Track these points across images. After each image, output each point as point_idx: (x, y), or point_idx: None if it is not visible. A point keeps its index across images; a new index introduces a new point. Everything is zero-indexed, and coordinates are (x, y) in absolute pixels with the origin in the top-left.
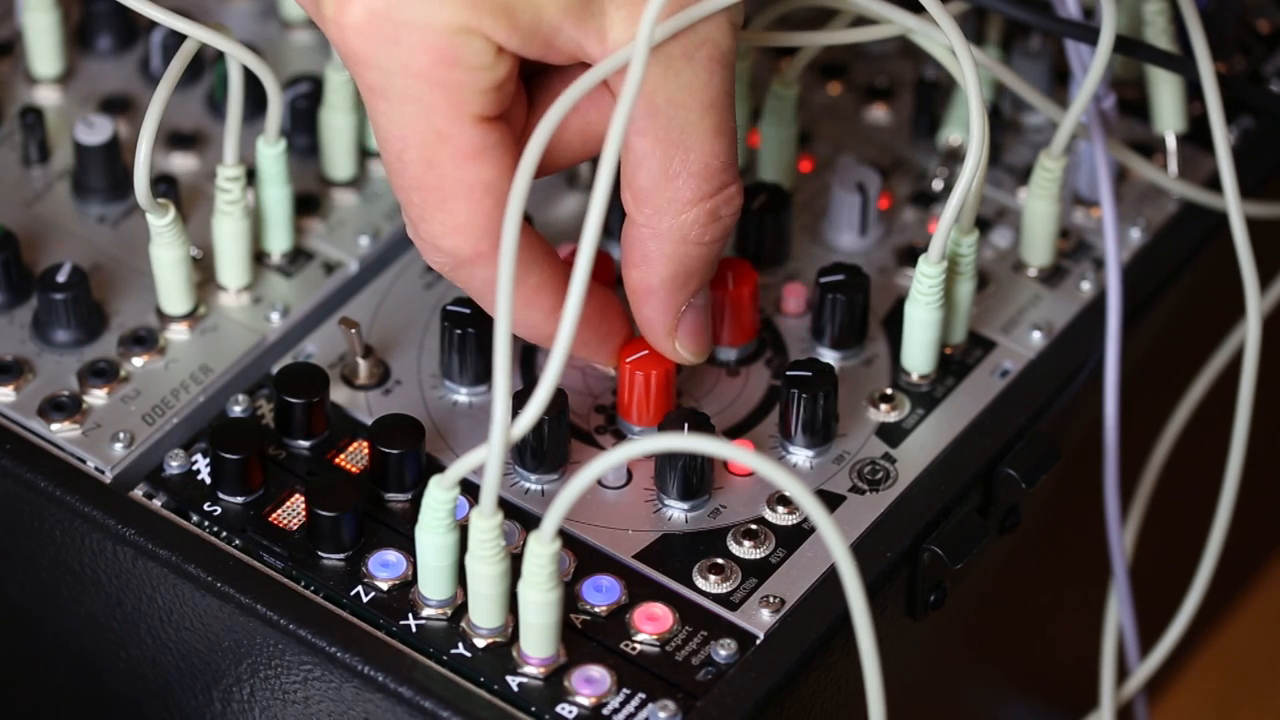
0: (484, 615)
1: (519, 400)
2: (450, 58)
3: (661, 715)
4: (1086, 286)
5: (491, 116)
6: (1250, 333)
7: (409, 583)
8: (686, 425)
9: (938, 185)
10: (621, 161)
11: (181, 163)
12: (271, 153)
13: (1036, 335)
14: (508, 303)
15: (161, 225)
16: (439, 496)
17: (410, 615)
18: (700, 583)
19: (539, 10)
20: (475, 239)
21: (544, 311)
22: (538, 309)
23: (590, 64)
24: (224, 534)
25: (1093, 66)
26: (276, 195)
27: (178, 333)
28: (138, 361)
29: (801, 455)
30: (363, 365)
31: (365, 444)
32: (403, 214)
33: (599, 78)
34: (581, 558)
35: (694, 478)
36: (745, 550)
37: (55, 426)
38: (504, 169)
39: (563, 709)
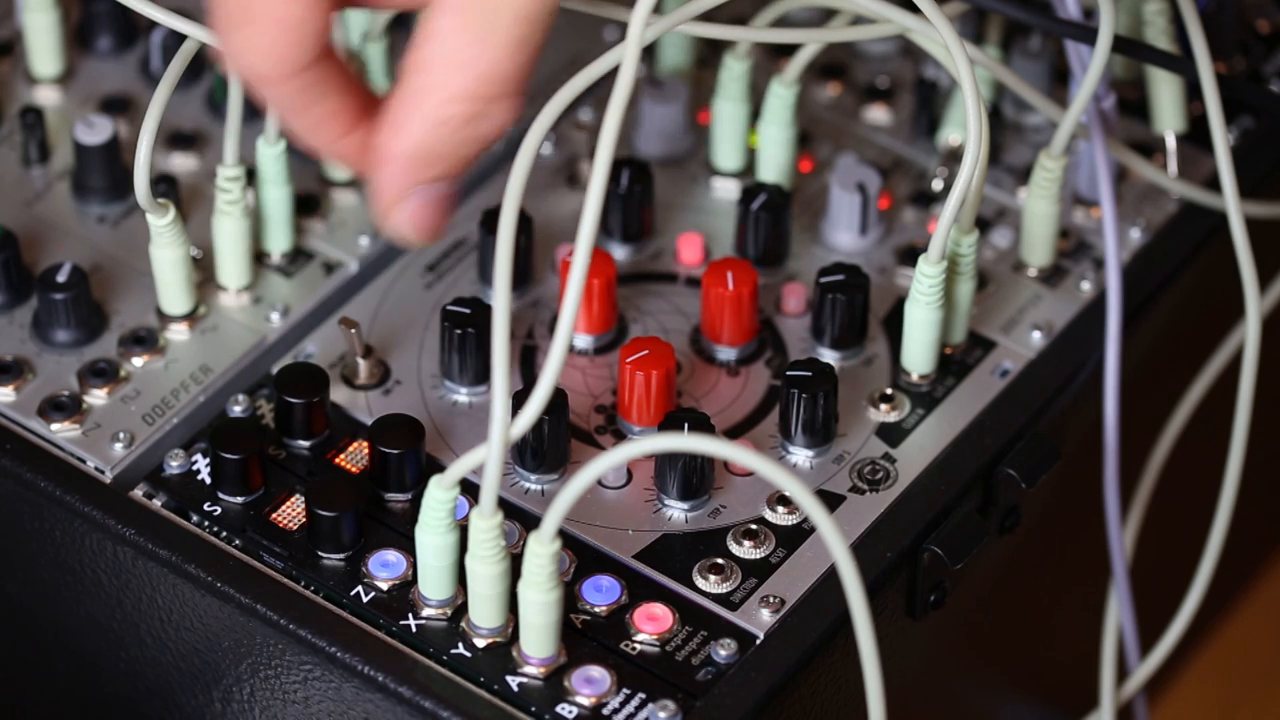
0: (484, 615)
1: (519, 400)
2: None
3: (661, 715)
4: (1086, 286)
5: None
6: (1250, 333)
7: (409, 583)
8: (686, 425)
9: (938, 185)
10: (418, 27)
11: (181, 163)
12: (271, 153)
13: (1036, 335)
14: (506, 299)
15: (161, 225)
16: (439, 496)
17: (410, 615)
18: (700, 583)
19: None
20: (271, 64)
21: (333, 134)
22: (326, 131)
23: None
24: (224, 534)
25: (1092, 66)
26: (276, 195)
27: (178, 333)
28: (138, 361)
29: (801, 455)
30: (363, 365)
31: (365, 444)
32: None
33: (591, 80)
34: (581, 558)
35: (694, 478)
36: (745, 550)
37: (55, 426)
38: (315, 8)
39: (563, 709)
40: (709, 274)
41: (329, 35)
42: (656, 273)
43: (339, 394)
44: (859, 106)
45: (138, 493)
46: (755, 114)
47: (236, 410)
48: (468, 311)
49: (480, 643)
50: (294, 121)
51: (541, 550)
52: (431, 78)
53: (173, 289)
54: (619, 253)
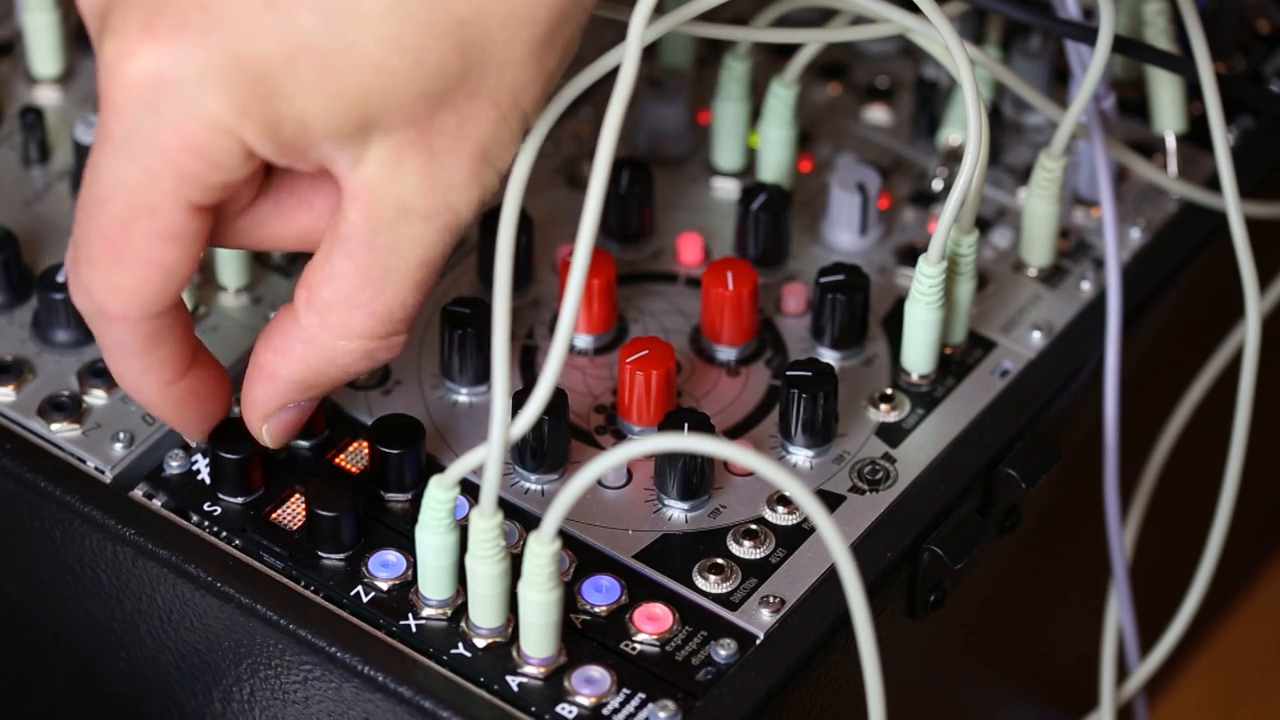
0: (484, 615)
1: (519, 400)
2: (197, 148)
3: (661, 715)
4: (1086, 286)
5: (207, 207)
6: (1250, 333)
7: (409, 583)
8: (686, 425)
9: (938, 185)
10: (314, 266)
11: None
12: None
13: (1036, 335)
14: (505, 300)
15: None
16: (439, 496)
17: (410, 615)
18: (700, 583)
19: (306, 128)
20: (128, 304)
21: (157, 384)
22: (153, 378)
23: (337, 179)
24: (224, 534)
25: (1091, 66)
26: None
27: None
28: None
29: (801, 455)
30: None
31: (365, 444)
32: (71, 239)
33: (591, 80)
34: (581, 558)
35: (694, 478)
36: (745, 550)
37: (55, 426)
38: (190, 256)
39: (563, 709)
40: (709, 274)
41: (190, 281)
42: (656, 273)
43: (339, 394)
44: (859, 106)
45: (138, 493)
46: (755, 114)
47: (236, 410)
48: (468, 311)
49: (480, 643)
50: (124, 363)
51: (541, 550)
52: (328, 316)
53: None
54: (619, 253)
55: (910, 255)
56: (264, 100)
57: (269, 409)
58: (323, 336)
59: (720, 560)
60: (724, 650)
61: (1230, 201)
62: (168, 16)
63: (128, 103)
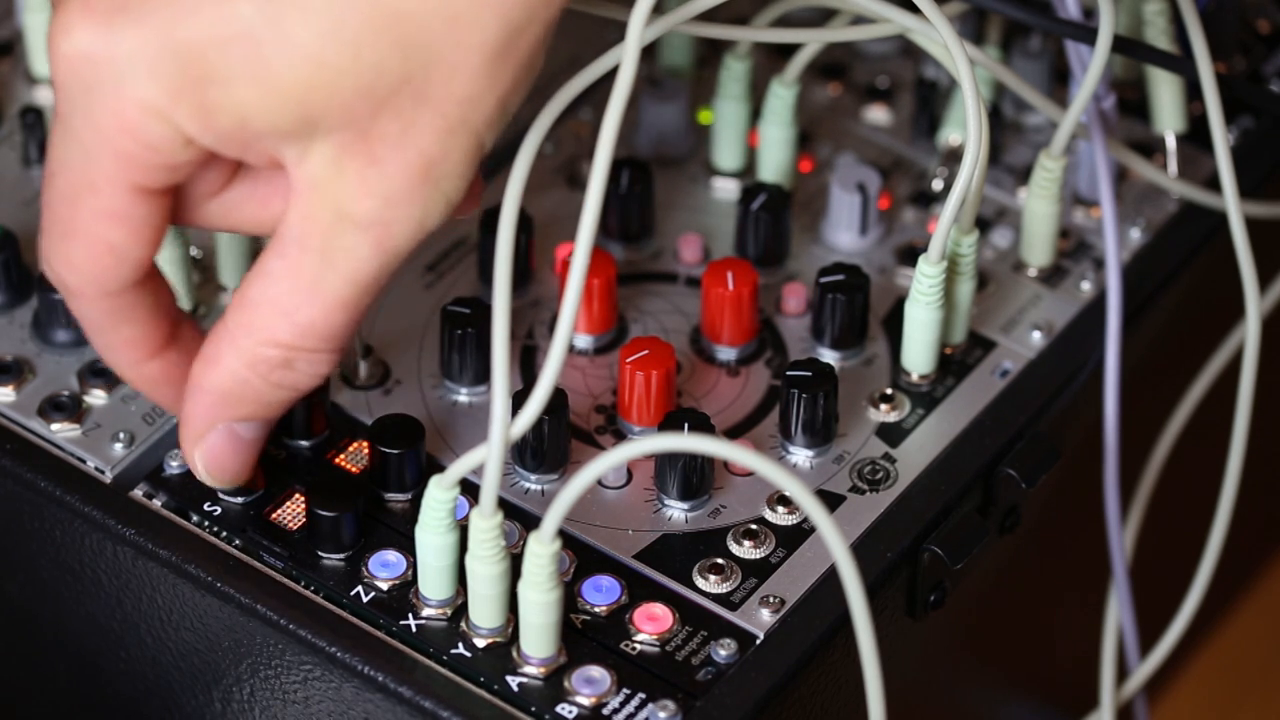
0: (484, 615)
1: (519, 400)
2: (131, 130)
3: (661, 715)
4: (1086, 286)
5: (154, 189)
6: (1250, 333)
7: (409, 583)
8: (686, 425)
9: (938, 185)
10: (253, 268)
11: None
12: None
13: (1036, 335)
14: (505, 300)
15: None
16: (439, 496)
17: (410, 615)
18: (700, 583)
19: (244, 119)
20: (82, 280)
21: (131, 359)
22: (121, 356)
23: (284, 174)
24: (224, 534)
25: (1091, 66)
26: None
27: None
28: None
29: (801, 455)
30: (363, 365)
31: (365, 444)
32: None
33: (591, 80)
34: (581, 558)
35: (694, 478)
36: (745, 550)
37: (55, 426)
38: (139, 238)
39: (563, 709)
40: (709, 274)
41: (149, 263)
42: (656, 273)
43: (339, 394)
44: (859, 106)
45: (138, 493)
46: (755, 114)
47: None
48: (468, 311)
49: (480, 643)
50: (94, 339)
51: (541, 550)
52: (251, 316)
53: (173, 289)
54: (619, 253)
55: (910, 255)
56: (196, 85)
57: (199, 428)
58: (245, 340)
59: (720, 560)
60: (724, 650)
61: (1230, 201)
62: None
63: (67, 80)
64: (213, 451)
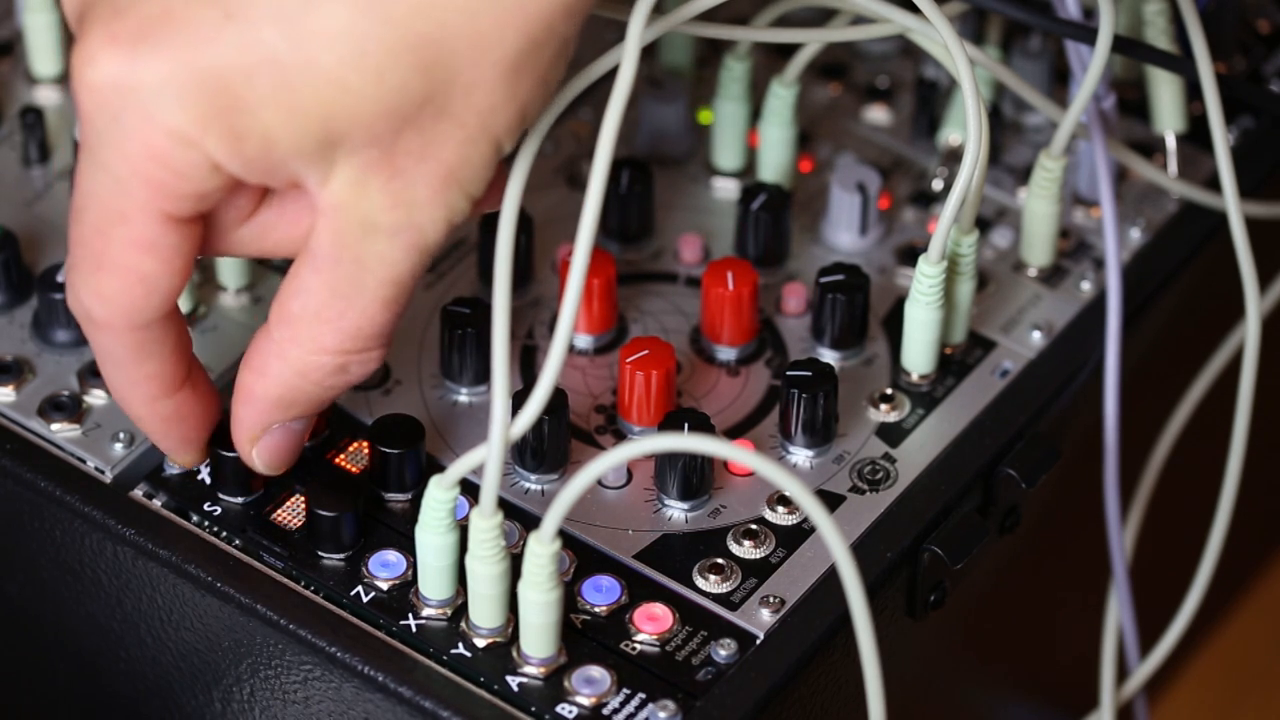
0: (484, 615)
1: (519, 400)
2: (161, 158)
3: (661, 715)
4: (1086, 286)
5: (184, 218)
6: (1250, 333)
7: (409, 583)
8: (686, 425)
9: (938, 185)
10: (286, 280)
11: None
12: None
13: (1036, 335)
14: (505, 300)
15: None
16: (439, 496)
17: (410, 615)
18: (700, 583)
19: (270, 144)
20: (111, 312)
21: (144, 398)
22: (140, 392)
23: (309, 195)
24: (224, 534)
25: (1091, 66)
26: None
27: None
28: None
29: (801, 455)
30: None
31: (365, 444)
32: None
33: (591, 80)
34: (581, 558)
35: (694, 478)
36: (745, 550)
37: (55, 426)
38: (170, 268)
39: (563, 709)
40: (709, 274)
41: (177, 297)
42: (656, 273)
43: None
44: (859, 106)
45: (138, 493)
46: (755, 114)
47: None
48: (468, 311)
49: (480, 643)
50: (113, 374)
51: (541, 550)
52: (296, 330)
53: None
54: (619, 253)
55: (910, 255)
56: (224, 113)
57: (254, 430)
58: (294, 351)
59: (720, 560)
60: (724, 650)
61: (1230, 201)
62: (130, 24)
63: (93, 110)
64: (270, 448)
